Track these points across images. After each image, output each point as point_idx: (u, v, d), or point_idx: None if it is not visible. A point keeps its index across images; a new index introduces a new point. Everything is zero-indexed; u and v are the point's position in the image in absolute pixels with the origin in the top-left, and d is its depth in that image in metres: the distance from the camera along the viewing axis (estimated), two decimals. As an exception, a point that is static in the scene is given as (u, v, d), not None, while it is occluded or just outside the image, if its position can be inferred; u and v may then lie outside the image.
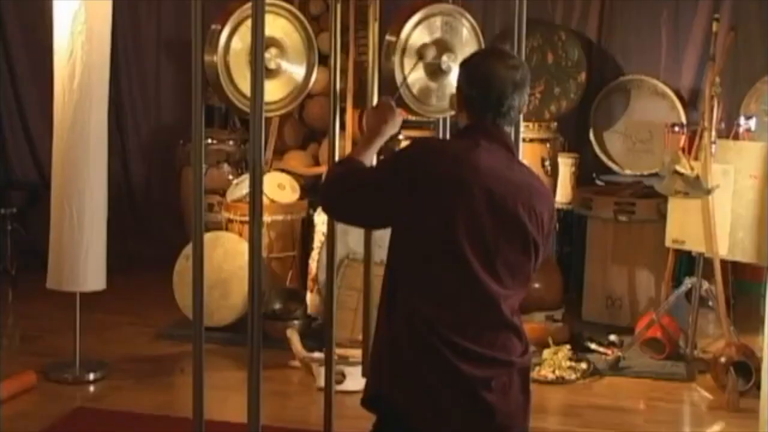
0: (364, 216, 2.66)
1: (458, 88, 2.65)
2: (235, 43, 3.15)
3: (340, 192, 2.63)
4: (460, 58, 3.35)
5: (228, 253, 5.49)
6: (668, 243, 5.25)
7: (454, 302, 2.46)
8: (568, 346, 5.14)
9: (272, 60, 3.20)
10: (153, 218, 7.06)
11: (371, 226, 3.05)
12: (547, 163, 6.11)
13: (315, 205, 5.79)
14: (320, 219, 5.47)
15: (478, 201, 2.44)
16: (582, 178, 6.18)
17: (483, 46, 3.46)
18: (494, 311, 2.48)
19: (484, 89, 2.56)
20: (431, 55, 3.22)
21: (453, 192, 2.44)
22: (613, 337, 5.38)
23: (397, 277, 2.51)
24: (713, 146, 4.97)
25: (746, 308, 5.73)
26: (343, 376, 4.58)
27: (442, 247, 2.45)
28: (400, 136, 6.19)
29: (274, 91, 3.24)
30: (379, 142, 2.85)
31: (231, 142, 6.44)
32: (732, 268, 5.71)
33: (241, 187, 5.81)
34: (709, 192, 4.93)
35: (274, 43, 3.22)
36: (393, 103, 2.98)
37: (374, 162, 2.84)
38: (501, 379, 2.49)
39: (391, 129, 2.88)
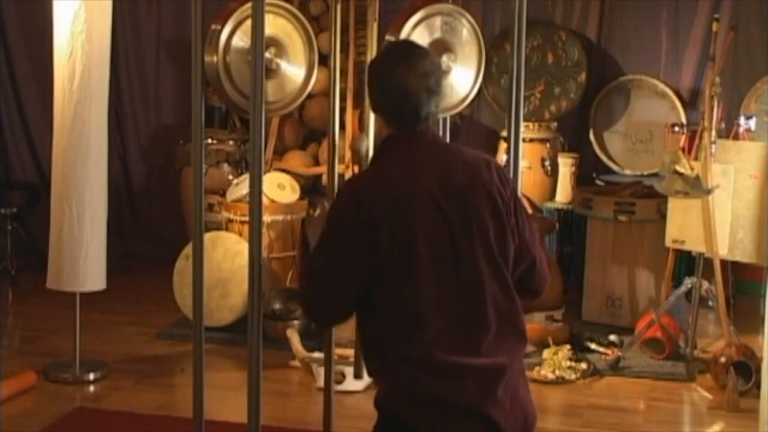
0: (346, 290, 2.48)
1: (371, 95, 2.59)
2: (235, 43, 3.15)
3: (310, 285, 2.54)
4: (461, 58, 3.36)
5: (228, 253, 5.49)
6: (668, 243, 5.25)
7: (434, 318, 2.45)
8: (568, 346, 5.14)
9: (272, 60, 3.21)
10: (153, 218, 7.05)
11: (353, 299, 2.52)
12: (547, 163, 6.11)
13: (315, 205, 5.80)
14: (320, 219, 5.48)
15: (429, 209, 2.45)
16: (582, 178, 6.18)
17: (483, 46, 3.46)
18: (477, 315, 2.48)
19: (400, 103, 2.52)
20: None
21: (403, 212, 2.44)
22: (613, 337, 5.38)
23: (381, 312, 2.49)
24: (713, 146, 4.97)
25: (746, 308, 5.74)
26: (343, 376, 4.58)
27: (414, 266, 2.44)
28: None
29: (274, 91, 3.24)
30: None
31: (231, 142, 6.43)
32: (732, 268, 5.72)
33: (241, 187, 5.81)
34: (709, 192, 4.93)
35: (274, 43, 3.22)
36: None
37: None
38: (496, 377, 2.49)
39: None
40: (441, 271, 2.46)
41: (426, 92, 2.52)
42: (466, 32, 3.37)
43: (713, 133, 4.98)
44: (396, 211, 2.44)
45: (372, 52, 3.32)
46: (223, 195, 6.02)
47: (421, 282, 2.44)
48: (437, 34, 3.29)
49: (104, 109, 4.69)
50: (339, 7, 3.29)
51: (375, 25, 3.32)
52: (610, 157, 6.38)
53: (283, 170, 6.08)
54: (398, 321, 2.47)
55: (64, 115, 4.61)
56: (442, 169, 2.51)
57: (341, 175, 5.84)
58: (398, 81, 2.52)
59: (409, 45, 2.77)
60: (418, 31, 3.24)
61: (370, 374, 2.61)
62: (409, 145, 2.54)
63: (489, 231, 2.50)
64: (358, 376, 3.39)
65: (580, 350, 5.21)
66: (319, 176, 6.11)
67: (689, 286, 5.06)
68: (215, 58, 3.13)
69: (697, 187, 4.94)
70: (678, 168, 4.96)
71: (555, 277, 5.70)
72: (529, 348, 5.16)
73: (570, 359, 5.03)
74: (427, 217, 2.45)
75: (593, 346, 5.28)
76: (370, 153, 3.21)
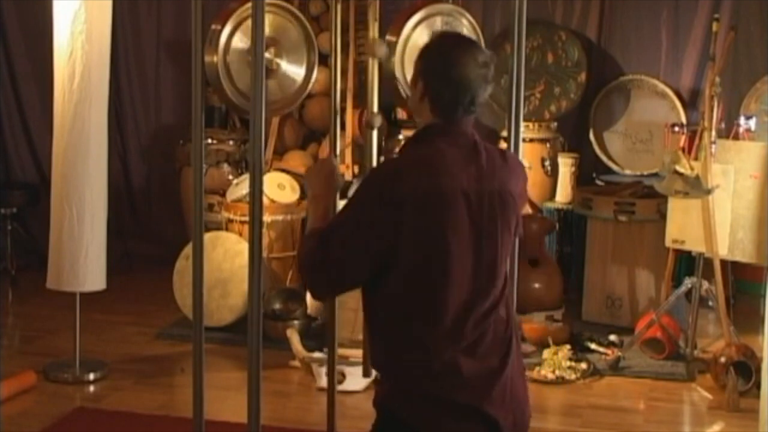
0: (356, 268, 2.46)
1: (426, 81, 2.53)
2: (235, 43, 3.15)
3: (323, 260, 2.48)
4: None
5: (228, 253, 5.49)
6: (668, 243, 5.25)
7: (451, 315, 2.45)
8: (568, 346, 5.14)
9: (272, 60, 3.21)
10: (153, 218, 7.05)
11: (361, 280, 2.52)
12: (547, 163, 6.11)
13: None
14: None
15: (461, 208, 2.45)
16: (582, 178, 6.18)
17: (483, 46, 3.46)
18: (483, 313, 2.49)
19: (459, 91, 2.50)
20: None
21: (436, 206, 2.43)
22: (613, 337, 5.38)
23: (391, 303, 2.48)
24: (713, 146, 4.97)
25: (746, 308, 5.74)
26: (343, 376, 4.58)
27: (436, 263, 2.43)
28: (400, 136, 6.19)
29: (273, 91, 3.24)
30: (325, 204, 2.74)
31: (231, 142, 6.43)
32: (732, 268, 5.72)
33: (241, 187, 5.82)
34: (709, 192, 4.93)
35: (274, 43, 3.22)
36: (334, 160, 2.90)
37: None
38: (497, 378, 2.50)
39: (334, 189, 2.82)
40: (463, 268, 2.45)
41: (483, 81, 2.52)
42: (466, 32, 3.36)
43: (713, 133, 4.98)
44: (430, 202, 2.43)
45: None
46: (223, 195, 6.03)
47: (445, 277, 2.43)
48: (437, 34, 3.29)
49: (104, 109, 4.69)
50: (339, 7, 3.29)
51: (375, 25, 3.32)
52: (610, 157, 6.38)
53: (283, 170, 6.08)
54: (411, 312, 2.45)
55: (64, 115, 4.61)
56: (478, 170, 2.50)
57: (341, 175, 5.86)
58: (461, 70, 2.50)
59: (465, 36, 2.81)
60: (418, 31, 3.24)
61: (374, 368, 2.61)
62: (450, 138, 2.52)
63: (506, 239, 2.52)
64: (367, 375, 3.39)
65: (580, 350, 5.21)
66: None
67: (689, 286, 5.06)
68: (215, 58, 3.13)
69: (697, 187, 4.94)
70: (678, 168, 4.96)
71: (555, 277, 5.73)
72: (529, 348, 5.17)
73: (570, 359, 5.03)
74: (457, 215, 2.44)
75: (593, 346, 5.28)
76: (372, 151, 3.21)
